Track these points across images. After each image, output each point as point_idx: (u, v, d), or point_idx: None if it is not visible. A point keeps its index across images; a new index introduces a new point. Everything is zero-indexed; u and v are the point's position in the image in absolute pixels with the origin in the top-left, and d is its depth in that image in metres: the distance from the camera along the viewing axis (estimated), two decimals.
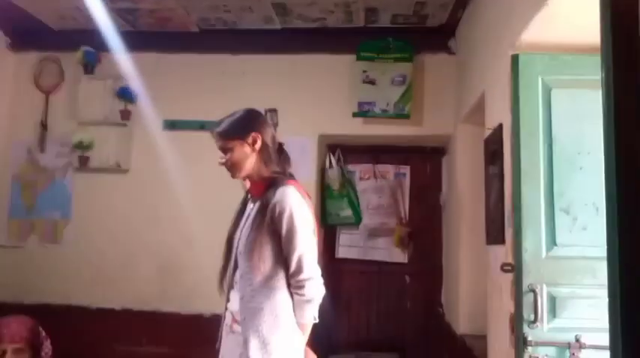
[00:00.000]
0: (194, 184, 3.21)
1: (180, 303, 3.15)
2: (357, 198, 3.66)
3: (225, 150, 1.75)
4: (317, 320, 1.67)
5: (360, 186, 3.72)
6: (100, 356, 3.06)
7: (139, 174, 3.30)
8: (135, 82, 3.28)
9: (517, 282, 1.75)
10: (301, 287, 1.62)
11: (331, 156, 3.61)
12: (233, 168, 1.75)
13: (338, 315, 3.45)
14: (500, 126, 2.02)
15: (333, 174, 3.57)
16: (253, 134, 1.73)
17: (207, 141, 3.21)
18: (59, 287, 3.21)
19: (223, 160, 1.75)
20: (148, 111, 3.29)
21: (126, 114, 3.28)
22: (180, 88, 3.33)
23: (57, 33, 3.37)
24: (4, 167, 3.33)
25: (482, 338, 2.58)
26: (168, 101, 3.32)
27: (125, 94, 3.24)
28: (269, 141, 1.75)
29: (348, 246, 3.70)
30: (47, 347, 1.98)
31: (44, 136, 3.32)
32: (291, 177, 1.78)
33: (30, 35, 3.39)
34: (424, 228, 3.66)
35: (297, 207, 1.65)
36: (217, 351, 1.73)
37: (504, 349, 1.94)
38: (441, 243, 3.63)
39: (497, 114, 2.12)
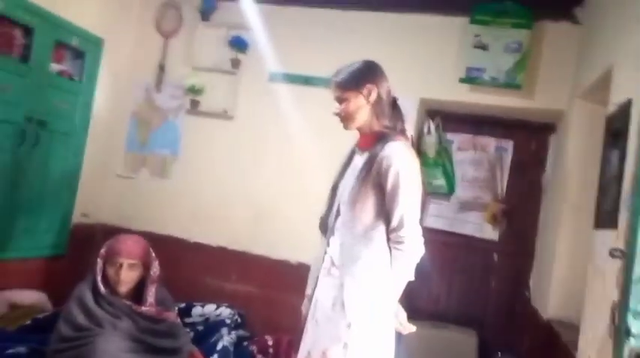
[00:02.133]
0: (295, 136, 3.30)
1: (270, 248, 3.31)
2: (453, 169, 3.57)
3: (340, 100, 1.77)
4: (413, 278, 1.68)
5: (457, 156, 3.62)
6: (192, 285, 3.30)
7: (243, 121, 3.44)
8: (247, 32, 3.39)
9: (627, 270, 1.63)
10: (400, 242, 1.63)
11: (430, 122, 3.52)
12: (346, 118, 1.76)
13: (418, 282, 3.45)
14: (629, 102, 1.85)
15: (430, 141, 3.49)
16: (369, 86, 1.72)
17: (310, 96, 3.34)
18: (163, 218, 3.49)
19: (338, 110, 1.77)
20: (256, 61, 3.40)
21: (236, 63, 3.40)
22: (289, 42, 3.38)
23: None
24: (125, 103, 3.62)
25: (571, 327, 2.48)
26: (277, 53, 3.38)
27: (237, 43, 3.36)
28: (384, 94, 1.75)
29: (435, 216, 3.64)
30: (156, 267, 2.18)
31: (161, 78, 3.55)
32: (402, 133, 1.77)
33: None
34: (520, 207, 3.50)
35: (405, 163, 1.65)
36: (309, 297, 1.79)
37: (599, 339, 1.83)
38: (536, 225, 3.46)
39: (626, 89, 1.94)
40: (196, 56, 3.49)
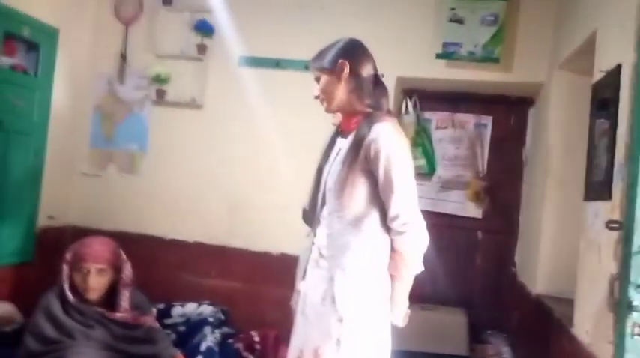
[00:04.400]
0: (267, 123, 3.17)
1: (249, 240, 3.18)
2: (432, 148, 3.50)
3: (317, 80, 1.65)
4: (423, 269, 1.59)
5: (436, 134, 3.55)
6: (171, 284, 3.16)
7: (213, 110, 3.28)
8: (212, 15, 3.22)
9: (626, 242, 1.57)
10: (402, 232, 1.52)
11: (408, 100, 3.43)
12: (324, 99, 1.65)
13: None
14: (618, 67, 1.78)
15: (409, 121, 3.41)
16: (340, 62, 1.61)
17: (282, 79, 3.20)
18: (135, 217, 3.32)
19: (317, 92, 1.65)
20: (224, 46, 3.24)
21: (202, 49, 3.23)
22: (256, 24, 3.23)
23: None
24: (86, 97, 3.40)
25: (563, 301, 2.44)
26: (245, 37, 3.23)
27: (202, 28, 3.18)
28: (363, 71, 1.62)
29: (418, 197, 3.55)
30: (127, 269, 2.04)
31: (123, 68, 3.35)
32: (389, 112, 1.65)
33: None
34: (502, 183, 3.46)
35: (395, 146, 1.53)
36: (298, 292, 1.67)
37: (596, 313, 1.79)
38: (519, 201, 3.43)
39: (614, 54, 1.87)
40: (160, 43, 3.30)
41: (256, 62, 3.23)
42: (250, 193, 3.21)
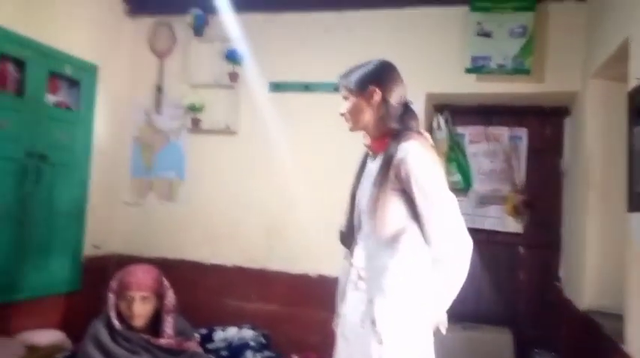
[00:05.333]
0: (300, 145, 3.22)
1: (287, 263, 3.20)
2: (467, 163, 3.45)
3: (345, 98, 1.67)
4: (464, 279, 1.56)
5: (470, 149, 3.50)
6: (211, 309, 3.21)
7: (247, 135, 3.36)
8: (241, 43, 3.31)
9: None
10: (442, 256, 1.51)
11: (439, 117, 3.41)
12: (349, 119, 1.67)
13: None
14: None
15: (441, 137, 3.38)
16: (372, 88, 1.62)
17: (311, 103, 3.25)
18: (175, 243, 3.40)
19: (343, 110, 1.67)
20: (254, 73, 3.32)
21: (234, 77, 3.32)
22: (284, 49, 3.31)
23: None
24: (126, 129, 3.55)
25: (612, 316, 2.35)
26: (274, 63, 3.31)
27: (233, 56, 3.28)
28: (392, 98, 1.63)
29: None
30: (170, 296, 2.09)
31: (160, 99, 3.48)
32: (418, 132, 1.65)
33: (144, 1, 3.53)
34: (541, 195, 3.37)
35: (424, 164, 1.52)
36: (339, 314, 1.67)
37: None
38: (560, 213, 3.33)
39: None
40: (193, 73, 3.42)
41: (286, 87, 3.29)
42: (286, 215, 3.24)
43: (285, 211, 3.24)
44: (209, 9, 3.28)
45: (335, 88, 1.88)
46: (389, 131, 1.62)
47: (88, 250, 3.30)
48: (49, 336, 2.87)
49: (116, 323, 2.00)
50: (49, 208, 3.00)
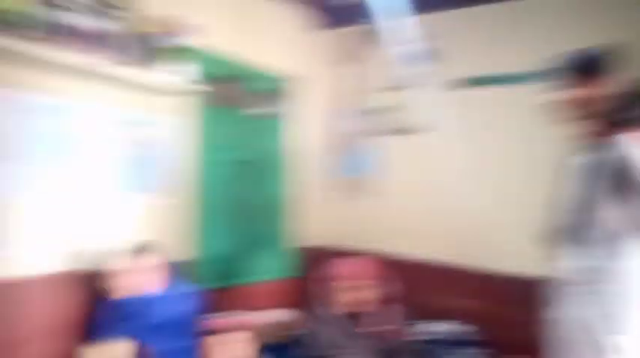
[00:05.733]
0: (492, 141, 3.16)
1: (495, 261, 3.12)
2: None
3: (566, 86, 1.60)
4: None
5: None
6: (417, 305, 3.27)
7: (442, 133, 3.38)
8: (434, 41, 3.36)
9: None
10: None
11: None
12: (570, 108, 1.59)
13: None
14: None
15: None
16: (596, 75, 1.53)
17: (508, 96, 3.14)
18: (380, 238, 3.56)
19: (562, 97, 1.60)
20: (448, 69, 3.34)
21: (428, 76, 3.38)
22: (473, 44, 3.27)
23: (354, 6, 3.67)
24: (329, 133, 3.90)
25: None
26: (464, 58, 3.29)
27: (423, 56, 3.35)
28: (614, 86, 1.53)
29: None
30: (389, 287, 2.23)
31: (357, 104, 3.74)
32: None
33: (339, 12, 3.75)
34: None
35: None
36: (560, 317, 1.63)
37: None
38: None
39: None
40: (388, 76, 3.58)
41: (480, 81, 3.24)
42: (488, 213, 3.15)
43: (491, 209, 3.16)
44: (396, 11, 3.38)
45: (531, 80, 1.80)
46: (611, 122, 1.52)
47: (304, 241, 3.75)
48: (278, 315, 3.33)
49: (334, 309, 2.22)
50: (269, 205, 3.51)
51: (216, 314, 2.12)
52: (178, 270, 2.61)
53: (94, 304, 2.38)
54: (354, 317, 2.23)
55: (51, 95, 2.37)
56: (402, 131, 3.53)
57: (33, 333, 2.33)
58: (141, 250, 2.19)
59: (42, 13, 2.23)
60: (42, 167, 2.32)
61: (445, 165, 3.38)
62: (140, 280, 2.14)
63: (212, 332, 2.12)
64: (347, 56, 3.79)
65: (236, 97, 3.30)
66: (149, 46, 2.64)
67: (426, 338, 2.84)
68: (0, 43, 2.02)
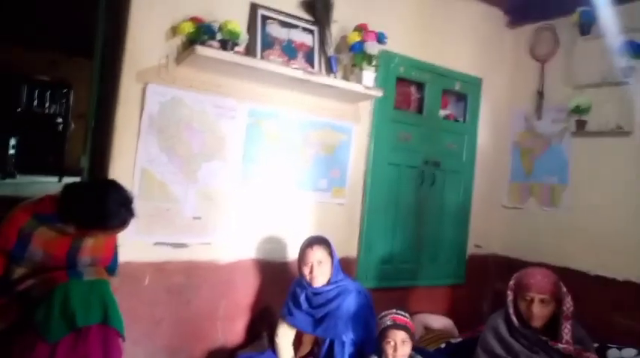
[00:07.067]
0: None
1: None
2: None
3: None
4: None
5: None
6: (597, 324, 2.97)
7: None
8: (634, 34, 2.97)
9: None
10: None
11: None
12: None
13: None
14: None
15: None
16: None
17: None
18: (556, 249, 3.31)
19: None
20: None
21: (629, 72, 3.00)
22: None
23: (551, 1, 3.43)
24: (506, 134, 3.69)
25: None
26: None
27: (630, 49, 2.96)
28: None
29: None
30: (569, 302, 2.06)
31: (540, 104, 3.47)
32: None
33: (525, 9, 3.59)
34: None
35: None
36: None
37: None
38: None
39: None
40: (577, 74, 3.27)
41: None
42: None
43: None
44: (596, 4, 3.08)
45: None
46: None
47: (471, 249, 3.59)
48: (440, 321, 3.27)
49: (515, 320, 2.11)
50: (440, 208, 3.42)
51: (382, 313, 2.18)
52: (345, 266, 2.74)
53: (277, 289, 2.63)
54: (537, 330, 2.09)
55: (258, 102, 2.69)
56: (593, 133, 3.18)
57: (231, 309, 2.66)
58: (316, 244, 2.34)
59: (255, 30, 2.59)
60: (246, 165, 2.67)
61: None
62: (313, 272, 2.28)
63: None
64: (537, 52, 3.54)
65: (422, 99, 3.32)
66: (345, 55, 2.84)
67: None
68: (230, 59, 2.34)
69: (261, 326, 2.71)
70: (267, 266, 2.76)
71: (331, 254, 2.36)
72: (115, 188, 1.86)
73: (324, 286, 2.34)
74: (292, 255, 2.76)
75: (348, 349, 2.26)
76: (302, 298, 2.37)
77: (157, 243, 2.43)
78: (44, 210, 1.85)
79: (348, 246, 3.04)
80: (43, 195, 1.93)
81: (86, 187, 1.95)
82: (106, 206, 1.79)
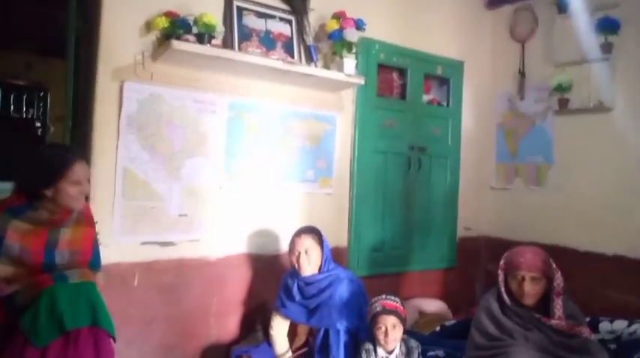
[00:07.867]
0: None
1: None
2: None
3: None
4: None
5: None
6: (588, 299, 3.00)
7: (624, 111, 3.01)
8: (617, 10, 2.98)
9: None
10: None
11: None
12: None
13: None
14: None
15: None
16: None
17: None
18: (544, 228, 3.33)
19: None
20: (633, 39, 2.94)
21: (607, 48, 3.02)
22: None
23: None
24: (490, 116, 3.70)
25: None
26: None
27: (606, 25, 2.98)
28: None
29: None
30: (559, 278, 2.07)
31: (523, 84, 3.48)
32: None
33: None
34: None
35: None
36: None
37: None
38: None
39: None
40: (558, 52, 3.28)
41: None
42: None
43: None
44: None
45: None
46: None
47: (461, 232, 3.60)
48: (434, 305, 3.29)
49: (506, 299, 2.12)
50: (428, 193, 3.42)
51: (372, 299, 2.18)
52: (335, 256, 2.73)
53: (270, 282, 2.62)
54: (527, 308, 2.10)
55: (238, 95, 2.66)
56: (576, 111, 3.19)
57: (223, 305, 2.64)
58: (304, 233, 2.33)
59: (232, 22, 2.55)
60: (230, 160, 2.64)
61: (627, 149, 3.01)
62: (300, 260, 2.27)
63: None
64: (517, 33, 3.54)
65: (404, 85, 3.31)
66: (325, 43, 2.82)
67: (605, 337, 2.55)
68: (207, 52, 2.31)
69: (255, 320, 2.69)
70: (258, 260, 2.74)
71: (321, 243, 2.35)
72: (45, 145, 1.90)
73: (315, 275, 2.33)
74: (283, 247, 2.75)
75: (343, 337, 2.25)
76: (294, 289, 2.36)
77: (144, 243, 2.40)
78: (14, 202, 1.82)
79: (338, 235, 3.03)
80: None
81: (22, 153, 1.91)
82: (50, 155, 1.81)
